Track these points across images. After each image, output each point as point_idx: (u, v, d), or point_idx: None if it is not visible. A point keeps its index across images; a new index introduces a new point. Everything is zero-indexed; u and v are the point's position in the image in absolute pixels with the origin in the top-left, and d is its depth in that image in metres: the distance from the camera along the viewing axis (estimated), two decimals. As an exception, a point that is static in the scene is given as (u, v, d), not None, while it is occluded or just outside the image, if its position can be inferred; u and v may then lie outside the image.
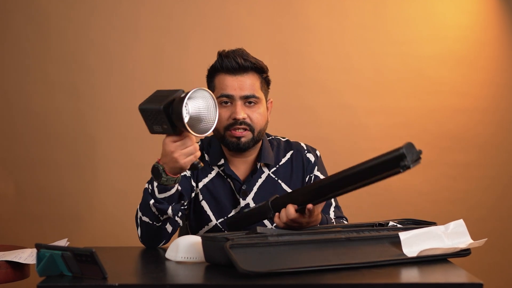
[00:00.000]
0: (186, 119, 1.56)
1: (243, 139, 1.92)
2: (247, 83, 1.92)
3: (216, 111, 1.62)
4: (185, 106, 1.55)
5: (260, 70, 1.95)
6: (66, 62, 3.29)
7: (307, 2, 3.43)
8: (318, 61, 3.43)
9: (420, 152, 1.38)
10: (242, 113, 1.90)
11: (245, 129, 1.92)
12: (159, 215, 1.77)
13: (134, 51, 3.32)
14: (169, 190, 1.74)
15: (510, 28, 3.56)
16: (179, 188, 1.78)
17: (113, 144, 3.29)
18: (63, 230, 3.18)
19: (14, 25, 3.27)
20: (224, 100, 1.93)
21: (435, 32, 3.50)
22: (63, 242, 1.84)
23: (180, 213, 1.92)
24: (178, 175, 1.70)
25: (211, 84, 1.99)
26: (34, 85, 3.28)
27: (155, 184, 1.74)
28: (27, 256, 1.85)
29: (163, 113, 1.56)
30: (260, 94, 1.95)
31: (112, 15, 3.32)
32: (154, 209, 1.76)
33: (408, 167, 1.35)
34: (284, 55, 3.39)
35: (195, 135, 1.60)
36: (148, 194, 1.77)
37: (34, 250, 1.83)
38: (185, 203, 1.92)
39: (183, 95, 1.57)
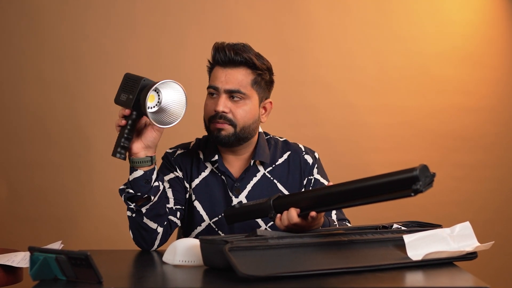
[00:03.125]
0: (149, 104, 1.68)
1: (222, 132, 1.90)
2: (234, 77, 1.90)
3: (183, 109, 1.72)
4: (156, 91, 1.69)
5: (252, 66, 1.92)
6: (60, 60, 3.26)
7: (308, -2, 3.41)
8: (319, 58, 3.40)
9: (433, 175, 1.36)
10: (222, 106, 1.89)
11: (225, 123, 1.90)
12: (128, 202, 1.80)
13: (130, 48, 3.30)
14: (133, 171, 1.80)
15: (517, 26, 3.54)
16: (150, 180, 1.78)
17: (108, 144, 3.20)
18: (57, 233, 3.16)
19: (6, 22, 3.24)
20: (211, 91, 1.93)
21: (440, 29, 3.48)
22: (57, 245, 1.83)
23: (178, 213, 1.92)
24: (137, 156, 1.80)
25: (209, 76, 1.98)
26: (27, 83, 3.26)
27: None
28: (20, 259, 1.83)
29: (140, 82, 1.69)
30: (249, 91, 1.91)
31: (108, 11, 3.29)
32: (122, 197, 1.81)
33: (420, 191, 1.34)
34: (285, 52, 3.36)
35: (153, 122, 1.69)
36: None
37: (27, 253, 1.81)
38: (158, 202, 1.89)
39: (158, 81, 1.69)
